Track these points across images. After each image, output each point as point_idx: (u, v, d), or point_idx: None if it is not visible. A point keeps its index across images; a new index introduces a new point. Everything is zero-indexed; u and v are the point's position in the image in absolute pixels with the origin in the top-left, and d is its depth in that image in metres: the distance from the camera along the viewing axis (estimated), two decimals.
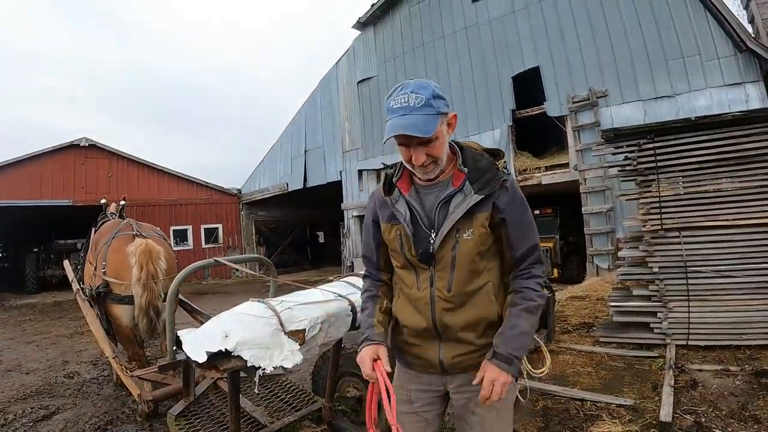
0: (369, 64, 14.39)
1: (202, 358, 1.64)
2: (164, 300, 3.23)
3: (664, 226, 4.74)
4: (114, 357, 3.69)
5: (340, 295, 2.24)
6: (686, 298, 4.61)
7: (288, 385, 3.34)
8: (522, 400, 1.79)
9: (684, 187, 4.73)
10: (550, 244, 10.68)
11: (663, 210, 4.76)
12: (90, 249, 4.47)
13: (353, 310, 2.22)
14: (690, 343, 4.59)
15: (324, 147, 15.89)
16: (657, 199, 4.79)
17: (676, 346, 4.60)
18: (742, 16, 9.93)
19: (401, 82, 1.45)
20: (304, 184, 16.56)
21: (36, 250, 16.09)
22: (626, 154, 5.07)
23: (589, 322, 6.09)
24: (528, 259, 1.51)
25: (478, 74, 11.58)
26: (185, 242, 18.00)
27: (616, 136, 5.16)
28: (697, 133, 4.66)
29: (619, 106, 9.29)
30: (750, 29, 9.01)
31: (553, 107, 10.21)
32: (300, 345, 1.80)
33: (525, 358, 1.65)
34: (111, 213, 5.16)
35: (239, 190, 19.74)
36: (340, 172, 15.17)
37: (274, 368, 1.70)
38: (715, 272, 4.54)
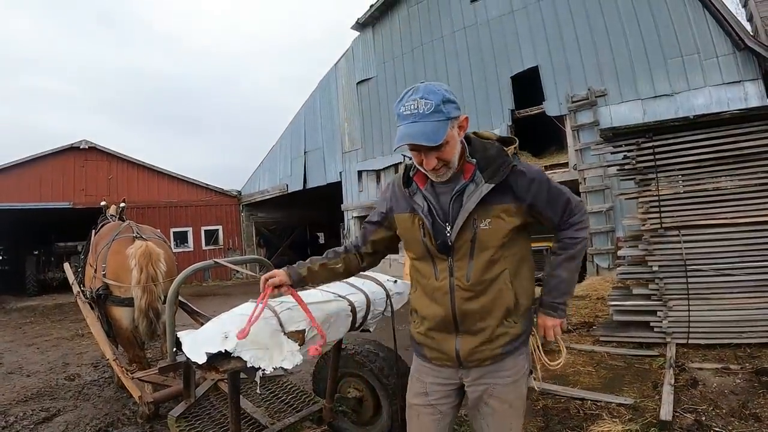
0: (368, 64, 14.39)
1: (201, 360, 1.64)
2: (164, 302, 3.23)
3: (663, 225, 4.74)
4: (115, 359, 3.68)
5: (339, 296, 2.24)
6: (686, 296, 4.61)
7: (288, 386, 3.34)
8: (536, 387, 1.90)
9: (683, 186, 4.73)
10: (550, 243, 10.65)
11: (662, 209, 4.76)
12: (90, 251, 4.47)
13: (353, 310, 2.22)
14: (690, 341, 4.58)
15: (323, 148, 15.89)
16: (656, 198, 4.79)
17: (677, 344, 4.60)
18: (740, 15, 9.92)
19: (412, 86, 1.45)
20: (304, 185, 16.55)
21: (36, 252, 16.08)
22: (625, 153, 5.07)
23: (590, 321, 6.09)
24: (565, 215, 1.60)
25: (476, 74, 11.58)
26: (185, 244, 17.99)
27: (615, 136, 5.17)
28: (696, 131, 4.66)
29: (618, 105, 9.29)
30: (749, 27, 9.00)
31: (552, 107, 10.21)
32: (300, 346, 1.80)
33: (542, 351, 1.75)
34: (111, 215, 5.16)
35: (239, 192, 19.74)
36: (340, 173, 15.16)
37: (274, 369, 1.70)
38: (715, 270, 4.54)
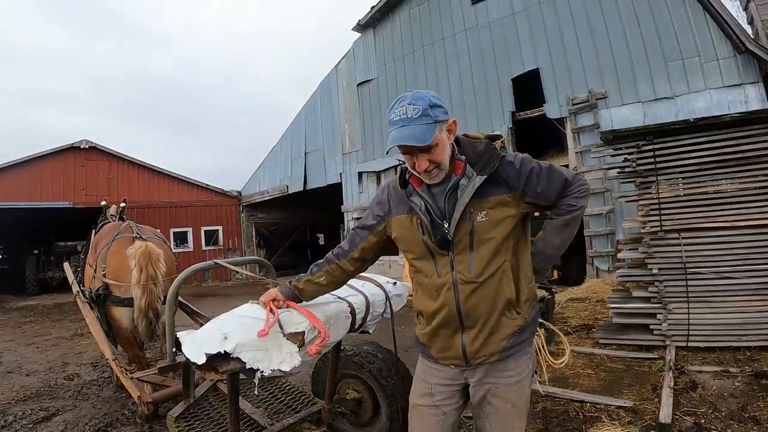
0: (369, 66, 14.40)
1: (201, 360, 1.64)
2: (164, 302, 3.23)
3: (663, 228, 4.74)
4: (114, 359, 3.68)
5: (339, 297, 2.24)
6: (686, 299, 4.61)
7: (288, 387, 3.33)
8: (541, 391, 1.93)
9: (683, 189, 4.73)
10: None
11: (662, 211, 4.76)
12: (90, 251, 4.47)
13: (352, 312, 2.23)
14: (690, 344, 4.58)
15: (324, 149, 15.90)
16: (656, 201, 4.79)
17: (676, 347, 4.60)
18: (741, 18, 9.94)
19: (400, 95, 1.53)
20: (304, 187, 16.56)
21: (36, 252, 16.09)
22: (625, 156, 5.07)
23: (589, 323, 6.10)
24: (564, 192, 1.62)
25: (477, 76, 11.60)
26: (185, 244, 17.99)
27: (615, 138, 5.17)
28: (697, 134, 4.66)
29: (618, 107, 9.30)
30: (749, 30, 9.01)
31: (552, 109, 10.22)
32: (299, 347, 1.80)
33: (546, 351, 1.80)
34: (111, 215, 5.16)
35: (239, 192, 19.74)
36: (340, 174, 15.17)
37: (272, 371, 1.70)
38: (715, 273, 4.54)
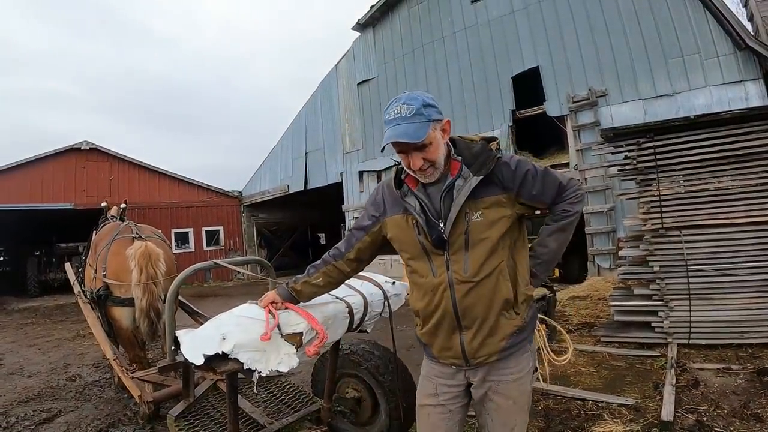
0: (369, 65, 14.39)
1: (199, 361, 1.64)
2: (165, 302, 3.23)
3: (664, 225, 4.73)
4: (115, 359, 3.68)
5: (337, 298, 2.24)
6: (687, 296, 4.60)
7: (287, 386, 3.33)
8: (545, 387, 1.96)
9: (684, 186, 4.72)
10: None
11: (663, 209, 4.75)
12: (90, 252, 4.48)
13: (350, 312, 2.22)
14: (691, 341, 4.57)
15: (324, 148, 15.90)
16: (657, 198, 4.78)
17: (678, 345, 4.59)
18: (741, 14, 9.92)
19: (395, 96, 1.55)
20: (305, 186, 16.56)
21: (37, 253, 16.11)
22: (626, 154, 5.06)
23: (591, 321, 6.09)
24: (558, 196, 1.64)
25: (477, 75, 11.58)
26: (186, 245, 18.02)
27: (615, 136, 5.16)
28: (697, 131, 4.65)
29: (618, 105, 9.28)
30: (749, 27, 8.99)
31: (552, 107, 10.20)
32: (297, 348, 1.80)
33: (547, 347, 1.82)
34: (112, 216, 5.17)
35: (240, 193, 19.76)
36: (341, 173, 15.17)
37: (270, 371, 1.70)
38: (716, 271, 4.52)
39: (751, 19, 9.44)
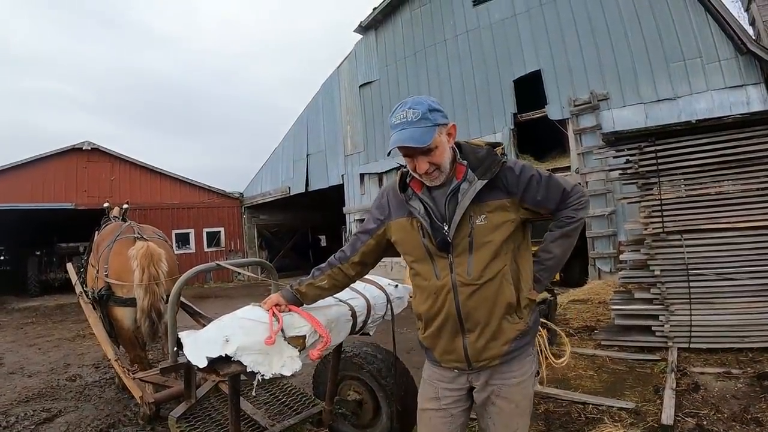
0: (370, 67, 14.41)
1: (202, 363, 1.65)
2: (167, 302, 3.24)
3: (665, 229, 4.73)
4: (116, 359, 3.69)
5: (340, 300, 2.24)
6: (688, 301, 4.60)
7: (289, 388, 3.34)
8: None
9: (685, 190, 4.73)
10: None
11: (664, 213, 4.75)
12: (92, 252, 4.49)
13: (353, 315, 2.23)
14: (692, 346, 4.57)
15: (326, 150, 15.91)
16: (658, 202, 4.78)
17: (678, 349, 4.59)
18: (743, 19, 9.93)
19: (401, 101, 1.57)
20: (306, 188, 16.57)
21: (38, 253, 16.12)
22: (627, 158, 5.07)
23: (591, 325, 6.08)
24: (562, 203, 1.64)
25: (479, 78, 11.60)
26: (187, 246, 18.02)
27: (617, 140, 5.16)
28: (699, 135, 4.66)
29: (620, 109, 9.29)
30: (751, 31, 9.00)
31: (554, 110, 10.21)
32: (300, 351, 1.80)
33: (548, 349, 1.84)
34: (114, 216, 5.18)
35: (241, 194, 19.75)
36: (342, 175, 15.17)
37: (273, 374, 1.70)
38: (717, 275, 4.53)
39: (752, 23, 9.46)
